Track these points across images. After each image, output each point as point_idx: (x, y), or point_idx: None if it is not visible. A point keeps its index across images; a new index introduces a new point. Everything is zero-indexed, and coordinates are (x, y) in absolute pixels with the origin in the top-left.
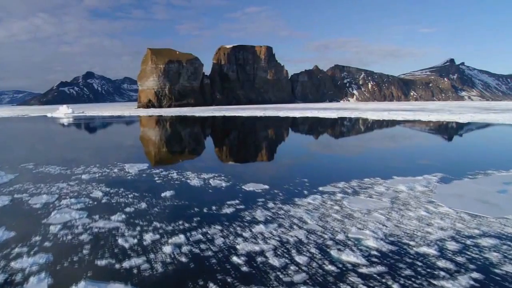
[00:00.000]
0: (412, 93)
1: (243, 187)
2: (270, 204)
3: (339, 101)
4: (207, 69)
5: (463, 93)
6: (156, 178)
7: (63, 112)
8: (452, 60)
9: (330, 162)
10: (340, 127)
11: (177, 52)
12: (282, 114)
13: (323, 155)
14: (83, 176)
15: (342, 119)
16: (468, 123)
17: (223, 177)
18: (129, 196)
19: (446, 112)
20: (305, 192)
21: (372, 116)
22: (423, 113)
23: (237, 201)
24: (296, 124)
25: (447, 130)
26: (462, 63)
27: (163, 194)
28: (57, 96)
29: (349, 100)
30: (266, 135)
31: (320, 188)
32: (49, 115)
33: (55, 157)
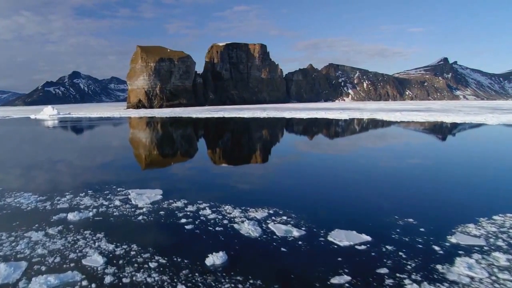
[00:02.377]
0: (407, 92)
1: (330, 239)
2: None
3: (334, 101)
4: (198, 68)
5: (458, 92)
6: (183, 220)
7: (48, 114)
8: (445, 59)
9: (414, 186)
10: (366, 131)
11: (168, 50)
12: (287, 115)
13: (394, 173)
14: (70, 216)
15: (358, 121)
16: (503, 125)
17: (284, 217)
18: (151, 265)
19: (460, 113)
20: (438, 249)
21: (387, 117)
22: (438, 113)
23: (346, 277)
24: (312, 127)
25: (495, 135)
26: (455, 62)
27: (209, 261)
28: (42, 96)
29: (344, 100)
30: (292, 142)
31: (453, 240)
32: (32, 116)
33: (32, 178)
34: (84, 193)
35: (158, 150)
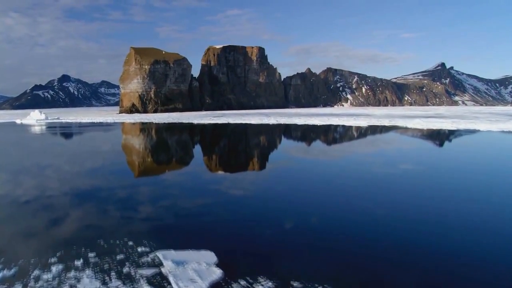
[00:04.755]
0: (406, 98)
1: None
2: None
3: (333, 106)
4: (193, 72)
5: (457, 98)
6: None
7: (35, 118)
8: (443, 64)
9: None
10: (408, 142)
11: (163, 52)
12: (298, 121)
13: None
14: None
15: (383, 128)
16: None
17: None
18: None
19: (482, 119)
20: None
21: (411, 124)
22: (462, 121)
23: None
24: (337, 135)
25: None
26: (451, 68)
27: None
28: (31, 100)
29: (343, 105)
30: (337, 154)
31: None
32: (18, 121)
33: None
34: (82, 261)
35: (174, 169)
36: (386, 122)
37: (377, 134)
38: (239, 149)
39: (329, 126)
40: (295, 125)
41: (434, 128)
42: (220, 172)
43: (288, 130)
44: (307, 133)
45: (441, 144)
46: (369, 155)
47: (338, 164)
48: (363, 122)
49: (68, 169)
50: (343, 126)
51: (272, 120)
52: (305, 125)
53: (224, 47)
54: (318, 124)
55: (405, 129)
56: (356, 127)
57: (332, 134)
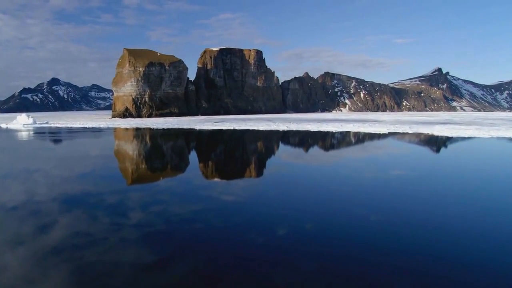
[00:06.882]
0: (404, 103)
1: None
2: None
3: (331, 111)
4: (188, 75)
5: (454, 103)
6: None
7: (22, 122)
8: (440, 70)
9: None
10: (441, 152)
11: (158, 54)
12: (311, 127)
13: None
14: None
15: (405, 135)
16: None
17: None
18: None
19: (506, 126)
20: None
21: (437, 132)
22: (484, 127)
23: None
24: (362, 143)
25: None
26: (447, 73)
27: None
28: (19, 103)
29: (341, 110)
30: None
31: None
32: (4, 125)
33: None
34: None
35: (200, 189)
36: (407, 129)
37: (411, 143)
38: (269, 159)
39: (348, 133)
40: (310, 132)
41: (465, 135)
42: (261, 187)
43: (306, 138)
44: (328, 141)
45: (498, 154)
46: (428, 168)
47: (388, 175)
48: (383, 129)
49: (60, 195)
50: (364, 133)
51: (281, 127)
52: (320, 131)
53: (221, 49)
54: (334, 131)
55: (434, 136)
56: (378, 134)
57: (358, 142)
